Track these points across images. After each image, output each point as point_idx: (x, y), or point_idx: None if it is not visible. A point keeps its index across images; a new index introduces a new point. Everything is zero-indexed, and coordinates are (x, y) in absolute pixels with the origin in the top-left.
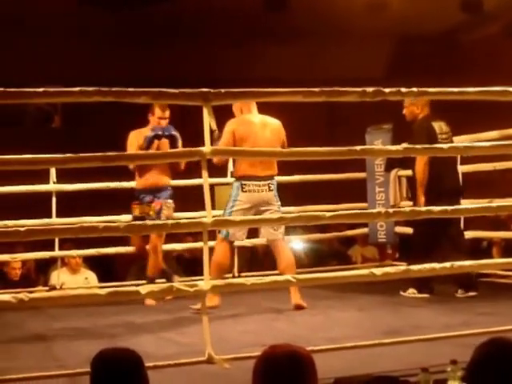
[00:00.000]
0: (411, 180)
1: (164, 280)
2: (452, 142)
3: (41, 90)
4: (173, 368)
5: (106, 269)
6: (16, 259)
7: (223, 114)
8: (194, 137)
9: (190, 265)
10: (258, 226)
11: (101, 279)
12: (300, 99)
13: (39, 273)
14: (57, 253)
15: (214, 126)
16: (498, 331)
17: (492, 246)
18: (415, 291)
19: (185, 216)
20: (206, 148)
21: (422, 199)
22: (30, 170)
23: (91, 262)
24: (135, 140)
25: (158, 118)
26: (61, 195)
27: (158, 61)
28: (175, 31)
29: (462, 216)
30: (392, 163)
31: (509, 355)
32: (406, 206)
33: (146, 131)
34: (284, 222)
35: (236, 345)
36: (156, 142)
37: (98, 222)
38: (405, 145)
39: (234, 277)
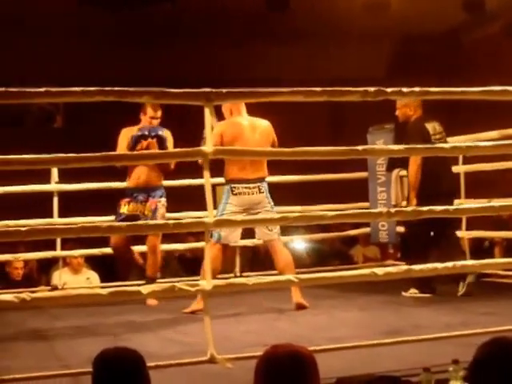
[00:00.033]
0: None
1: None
2: (446, 141)
3: (43, 89)
4: (175, 368)
5: (107, 269)
6: (18, 259)
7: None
8: (194, 137)
9: (192, 265)
10: (258, 226)
11: (103, 279)
12: (301, 99)
13: (41, 273)
14: (59, 253)
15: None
16: (500, 331)
17: (494, 246)
18: (417, 291)
19: (186, 216)
20: (208, 148)
21: (413, 201)
22: (32, 169)
23: (93, 262)
24: (125, 137)
25: (150, 117)
26: (62, 195)
27: (157, 61)
28: (175, 31)
29: (464, 216)
30: (394, 163)
31: (511, 355)
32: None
33: (136, 130)
34: (286, 222)
35: (238, 344)
36: (143, 141)
37: (99, 222)
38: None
39: (235, 276)
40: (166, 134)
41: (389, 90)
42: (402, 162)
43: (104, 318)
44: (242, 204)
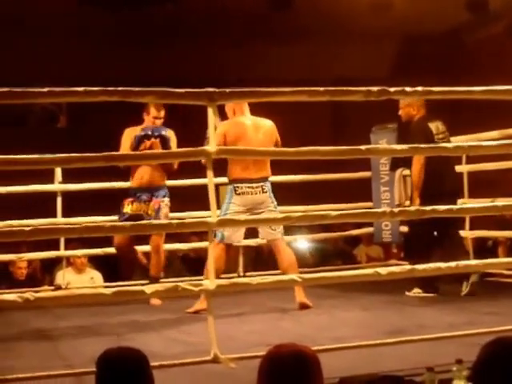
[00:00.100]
0: None
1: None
2: (449, 141)
3: (46, 89)
4: (178, 367)
5: (111, 268)
6: (22, 259)
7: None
8: (197, 137)
9: (195, 264)
10: (262, 226)
11: (106, 279)
12: (305, 99)
13: (45, 272)
14: (62, 252)
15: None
16: (504, 330)
17: (497, 246)
18: (420, 291)
19: (190, 216)
20: (212, 148)
21: (417, 201)
22: (35, 169)
23: (97, 262)
24: (128, 138)
25: (153, 117)
26: (66, 195)
27: (158, 61)
28: (175, 31)
29: (468, 215)
30: (397, 162)
31: None
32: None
33: (139, 130)
34: (290, 222)
35: (241, 344)
36: (146, 141)
37: (103, 222)
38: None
39: (239, 276)
40: (170, 133)
41: (392, 89)
42: (405, 162)
43: (107, 318)
44: (245, 204)
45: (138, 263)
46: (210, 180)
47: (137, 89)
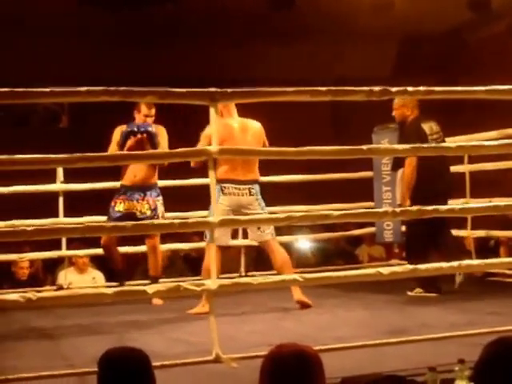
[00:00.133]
0: None
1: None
2: (444, 141)
3: (48, 89)
4: (180, 367)
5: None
6: (24, 259)
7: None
8: (198, 137)
9: (197, 264)
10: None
11: (108, 279)
12: (307, 98)
13: (47, 272)
14: (64, 252)
15: None
16: (506, 330)
17: (499, 245)
18: (422, 290)
19: (191, 215)
20: (213, 147)
21: (407, 202)
22: (37, 169)
23: (98, 262)
24: (117, 135)
25: (144, 115)
26: (68, 195)
27: (158, 61)
28: (175, 31)
29: (470, 215)
30: (399, 162)
31: None
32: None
33: (126, 126)
34: (291, 222)
35: (243, 344)
36: (132, 137)
37: (105, 222)
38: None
39: (240, 276)
40: (159, 129)
41: (394, 89)
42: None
43: (109, 318)
44: (230, 204)
45: (117, 264)
46: (212, 180)
47: (138, 89)
